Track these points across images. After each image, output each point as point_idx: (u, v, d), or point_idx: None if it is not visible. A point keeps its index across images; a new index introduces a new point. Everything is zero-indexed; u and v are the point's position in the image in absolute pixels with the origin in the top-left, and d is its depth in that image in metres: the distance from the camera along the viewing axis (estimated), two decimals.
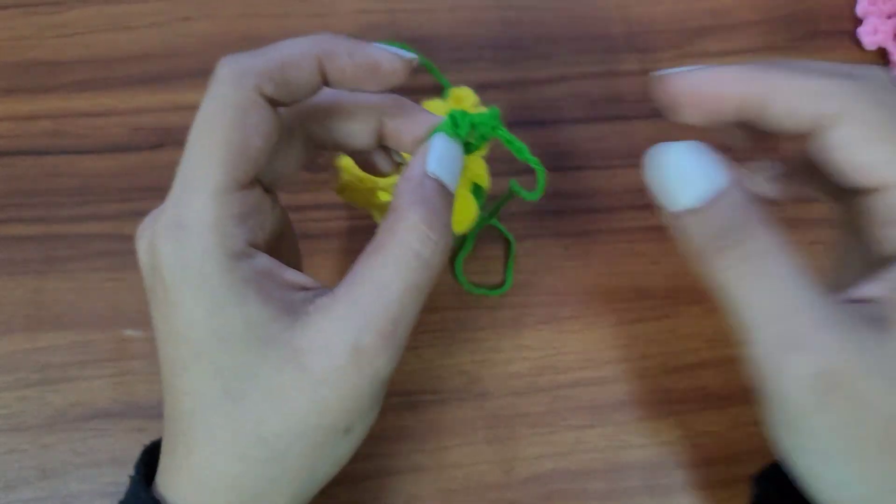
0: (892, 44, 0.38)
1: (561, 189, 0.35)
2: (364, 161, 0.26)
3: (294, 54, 0.22)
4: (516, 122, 0.37)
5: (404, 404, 0.32)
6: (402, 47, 0.23)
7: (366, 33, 0.38)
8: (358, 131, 0.24)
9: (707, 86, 0.22)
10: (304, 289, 0.22)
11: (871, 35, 0.38)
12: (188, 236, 0.20)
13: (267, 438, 0.21)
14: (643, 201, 0.35)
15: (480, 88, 0.37)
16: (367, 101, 0.24)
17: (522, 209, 0.35)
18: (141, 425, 0.32)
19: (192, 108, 0.36)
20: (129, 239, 0.34)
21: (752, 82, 0.22)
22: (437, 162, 0.22)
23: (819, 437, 0.20)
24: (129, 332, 0.33)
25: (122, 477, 0.31)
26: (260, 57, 0.22)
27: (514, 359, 0.33)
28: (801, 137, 0.22)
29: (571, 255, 0.34)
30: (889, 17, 0.39)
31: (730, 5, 0.39)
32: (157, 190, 0.35)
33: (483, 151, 0.28)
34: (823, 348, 0.19)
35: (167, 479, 0.22)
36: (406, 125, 0.24)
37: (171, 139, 0.36)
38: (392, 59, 0.23)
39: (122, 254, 0.34)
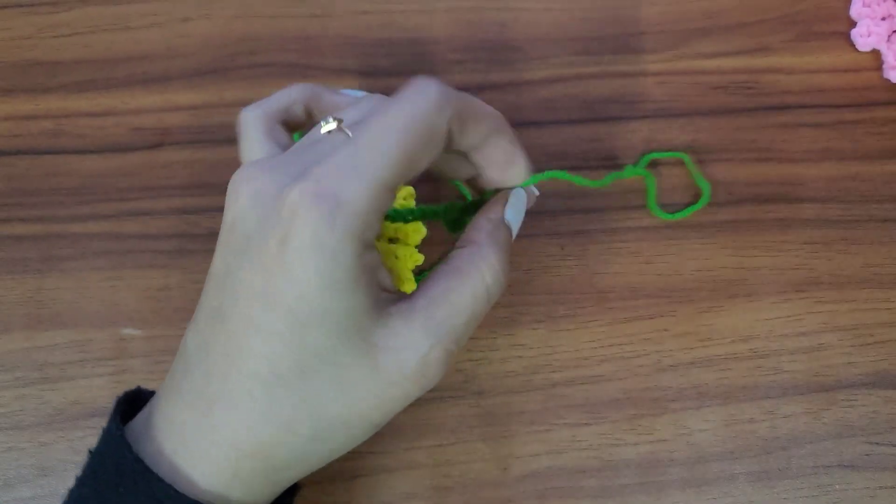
0: (885, 46, 0.38)
1: (556, 189, 0.36)
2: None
3: (477, 109, 0.25)
4: (512, 124, 0.37)
5: None
6: None
7: (363, 34, 0.38)
8: (463, 170, 0.28)
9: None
10: (385, 289, 0.23)
11: (864, 37, 0.38)
12: (341, 213, 0.21)
13: (320, 420, 0.21)
14: (638, 201, 0.36)
15: (477, 89, 0.37)
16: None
17: None
18: None
19: (191, 108, 0.37)
20: (129, 238, 0.35)
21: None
22: (513, 213, 0.27)
23: None
24: (128, 331, 0.33)
25: None
26: (455, 95, 0.24)
27: (510, 357, 0.33)
28: None
29: (567, 254, 0.35)
30: (883, 18, 0.39)
31: (724, 6, 0.39)
32: (156, 189, 0.36)
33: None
34: None
35: (180, 435, 0.22)
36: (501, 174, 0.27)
37: (171, 139, 0.36)
38: None
39: (122, 253, 0.34)
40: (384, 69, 0.38)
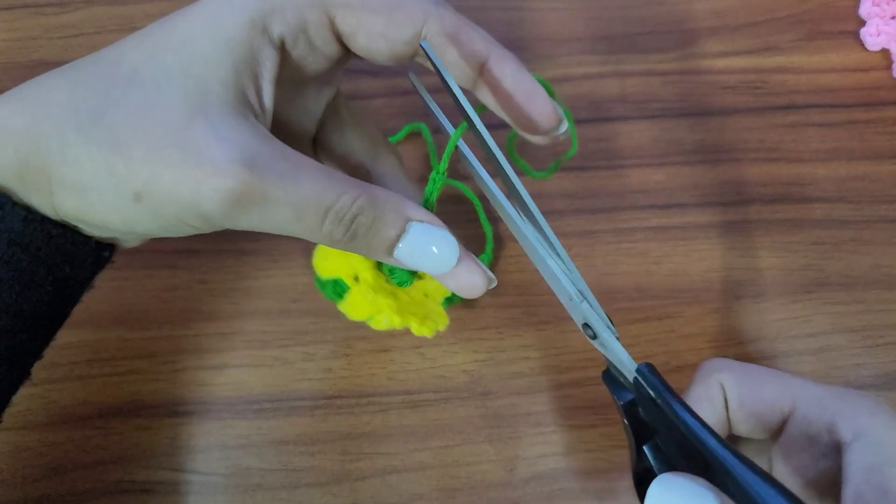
0: (894, 45, 0.38)
1: (564, 189, 0.35)
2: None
3: (472, 30, 0.27)
4: None
5: (407, 403, 0.32)
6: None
7: None
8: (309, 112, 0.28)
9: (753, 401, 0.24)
10: (254, 112, 0.23)
11: (874, 36, 0.38)
12: None
13: (132, 138, 0.21)
14: (646, 202, 0.36)
15: None
16: None
17: None
18: (146, 424, 0.32)
19: None
20: None
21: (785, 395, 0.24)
22: (409, 240, 0.24)
23: None
24: (135, 332, 0.33)
25: (128, 475, 0.31)
26: (450, 12, 0.26)
27: (517, 358, 0.33)
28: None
29: (575, 254, 0.35)
30: (893, 17, 0.39)
31: (732, 6, 0.39)
32: None
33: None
34: None
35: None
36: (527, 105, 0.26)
37: None
38: None
39: (129, 253, 0.34)
40: (389, 69, 0.37)
